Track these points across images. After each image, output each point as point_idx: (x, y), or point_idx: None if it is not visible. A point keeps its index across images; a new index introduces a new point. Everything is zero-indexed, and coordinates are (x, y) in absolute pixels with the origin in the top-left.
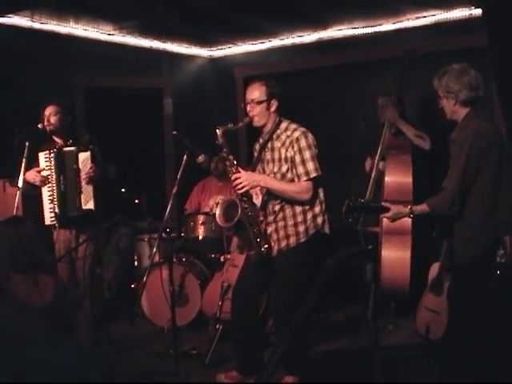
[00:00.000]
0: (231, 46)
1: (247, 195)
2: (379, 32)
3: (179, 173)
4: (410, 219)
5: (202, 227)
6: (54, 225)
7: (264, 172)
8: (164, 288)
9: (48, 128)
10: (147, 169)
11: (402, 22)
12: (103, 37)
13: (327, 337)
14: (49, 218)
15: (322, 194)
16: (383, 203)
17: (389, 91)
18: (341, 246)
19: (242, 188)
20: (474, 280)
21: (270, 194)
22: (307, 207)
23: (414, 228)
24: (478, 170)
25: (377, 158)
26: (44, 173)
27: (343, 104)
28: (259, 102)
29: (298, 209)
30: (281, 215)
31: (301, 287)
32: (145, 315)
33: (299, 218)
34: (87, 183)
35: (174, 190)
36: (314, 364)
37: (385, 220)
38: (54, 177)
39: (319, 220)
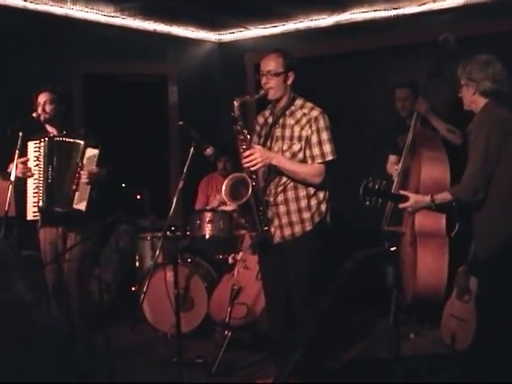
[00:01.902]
0: (241, 29)
1: (256, 173)
2: (402, 15)
3: (185, 167)
4: (443, 220)
5: (209, 225)
6: (37, 221)
7: (270, 149)
8: (168, 291)
9: (42, 117)
10: (150, 162)
11: (426, 3)
12: (103, 19)
13: (344, 344)
14: (31, 212)
15: (328, 180)
16: (402, 192)
17: (407, 81)
18: (360, 247)
19: (255, 165)
20: (501, 275)
21: (272, 174)
22: (312, 192)
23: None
24: (499, 157)
25: (404, 154)
26: (31, 163)
27: (362, 92)
28: (276, 74)
29: (302, 192)
30: (282, 198)
31: (317, 278)
32: (147, 320)
33: (302, 203)
34: (87, 183)
35: (180, 185)
36: (330, 373)
37: (418, 221)
38: (41, 167)
39: (323, 207)
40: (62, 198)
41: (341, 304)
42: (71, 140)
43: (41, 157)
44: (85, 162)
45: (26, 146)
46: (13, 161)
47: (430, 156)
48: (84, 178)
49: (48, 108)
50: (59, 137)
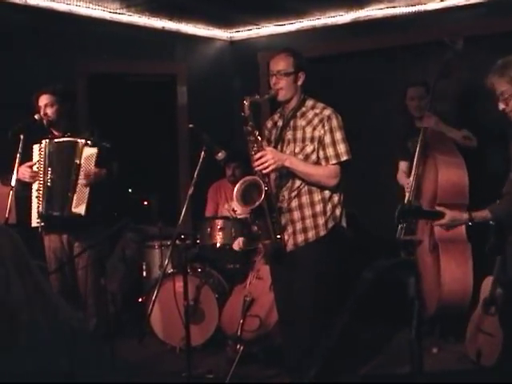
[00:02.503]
0: (254, 27)
1: (268, 177)
2: (423, 11)
3: (196, 171)
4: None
5: (221, 233)
6: (39, 228)
7: (282, 153)
8: (177, 302)
9: (45, 120)
10: (158, 166)
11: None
12: (108, 15)
13: (364, 359)
14: (35, 219)
15: (343, 183)
16: (437, 207)
17: (419, 80)
18: (378, 255)
19: (267, 168)
20: None
21: (285, 178)
22: (327, 195)
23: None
24: None
25: (415, 162)
26: (36, 167)
27: (380, 93)
28: (286, 74)
29: (317, 197)
30: (296, 203)
31: (328, 288)
32: (154, 333)
33: (318, 208)
34: (85, 185)
35: (190, 191)
36: None
37: (437, 227)
38: (42, 170)
39: (338, 211)
40: (59, 201)
41: (359, 317)
42: (69, 139)
43: (42, 160)
44: (83, 161)
45: (31, 149)
46: (13, 166)
47: (445, 160)
48: (82, 179)
49: (49, 111)
50: (60, 138)
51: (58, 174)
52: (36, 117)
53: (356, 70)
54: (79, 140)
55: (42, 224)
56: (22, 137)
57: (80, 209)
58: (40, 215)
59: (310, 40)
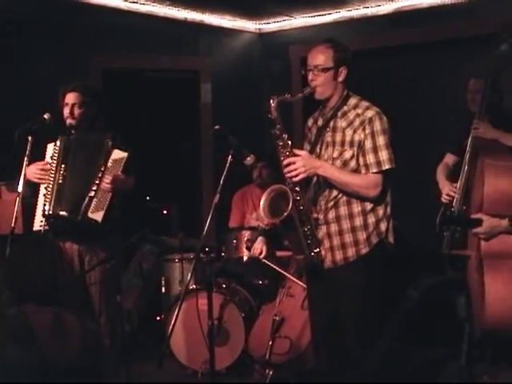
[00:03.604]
0: (286, 18)
1: (300, 184)
2: (474, 0)
3: (222, 177)
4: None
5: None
6: (42, 231)
7: (320, 157)
8: (201, 322)
9: (68, 122)
10: (179, 172)
11: None
12: (125, 5)
13: None
14: (38, 221)
15: (389, 194)
16: (474, 215)
17: (483, 73)
18: (424, 272)
19: (298, 175)
20: None
21: (322, 187)
22: (369, 207)
23: None
24: None
25: (462, 171)
26: (47, 166)
27: (426, 90)
28: (324, 70)
29: (357, 208)
30: (333, 215)
31: (372, 311)
32: (175, 356)
33: (357, 221)
34: (108, 190)
35: (216, 200)
36: None
37: (484, 241)
38: (54, 167)
39: (383, 226)
40: (73, 202)
41: (403, 340)
42: (95, 137)
43: (55, 156)
44: (109, 164)
45: (45, 149)
46: (20, 170)
47: (495, 166)
48: (106, 183)
49: (77, 112)
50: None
51: (74, 173)
52: (46, 116)
53: (399, 66)
54: (108, 140)
55: (47, 227)
56: (30, 138)
57: (97, 215)
58: (45, 216)
59: (348, 32)
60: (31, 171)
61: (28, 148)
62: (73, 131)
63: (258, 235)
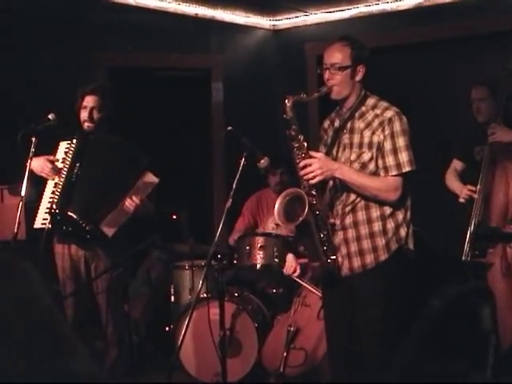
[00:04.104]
0: (301, 14)
1: (316, 188)
2: None
3: (235, 181)
4: None
5: (261, 253)
6: (44, 230)
7: (337, 160)
8: (212, 332)
9: (86, 125)
10: (189, 175)
11: None
12: (133, 0)
13: None
14: (41, 218)
15: (409, 198)
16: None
17: (485, 79)
18: (445, 280)
19: (314, 178)
20: None
21: (339, 190)
22: (388, 212)
23: None
24: None
25: (480, 181)
26: (58, 165)
27: (449, 89)
28: (342, 68)
29: (375, 213)
30: (350, 220)
31: (391, 321)
32: (184, 367)
33: (376, 226)
34: (129, 211)
35: (228, 204)
36: None
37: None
38: (67, 167)
39: (402, 231)
40: (84, 206)
41: (425, 352)
42: (131, 151)
43: (69, 155)
44: (138, 185)
45: (56, 145)
46: (23, 173)
47: None
48: (130, 204)
49: (96, 116)
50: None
51: (90, 175)
52: (50, 117)
53: (420, 64)
54: (144, 159)
55: (50, 225)
56: (33, 140)
57: (110, 231)
58: (51, 213)
59: (366, 29)
60: (39, 164)
61: (32, 149)
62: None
63: (286, 251)
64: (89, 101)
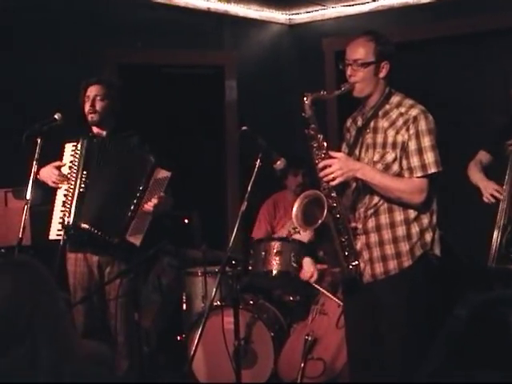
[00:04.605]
0: (318, 7)
1: (336, 190)
2: None
3: (250, 183)
4: None
5: (277, 258)
6: (61, 242)
7: (359, 160)
8: (226, 342)
9: (90, 117)
10: (201, 176)
11: None
12: None
13: None
14: (55, 229)
15: (435, 200)
16: None
17: None
18: (470, 287)
19: (334, 179)
20: None
21: (361, 192)
22: (412, 216)
23: None
24: None
25: (506, 181)
26: (65, 170)
27: (478, 87)
28: (365, 64)
29: (399, 216)
30: (373, 223)
31: (415, 331)
32: (197, 379)
33: (400, 231)
34: (149, 213)
35: (243, 207)
36: None
37: None
38: (74, 172)
39: (428, 236)
40: (98, 216)
41: (451, 363)
42: (127, 146)
43: (75, 163)
44: (151, 184)
45: (62, 148)
46: (28, 175)
47: None
48: (149, 206)
49: (98, 105)
50: (107, 137)
51: (99, 182)
52: (56, 116)
53: (443, 59)
54: (151, 157)
55: (65, 237)
56: (39, 141)
57: (136, 239)
58: (65, 227)
59: (387, 23)
60: (46, 173)
61: (37, 151)
62: (96, 129)
63: (303, 256)
64: (91, 90)
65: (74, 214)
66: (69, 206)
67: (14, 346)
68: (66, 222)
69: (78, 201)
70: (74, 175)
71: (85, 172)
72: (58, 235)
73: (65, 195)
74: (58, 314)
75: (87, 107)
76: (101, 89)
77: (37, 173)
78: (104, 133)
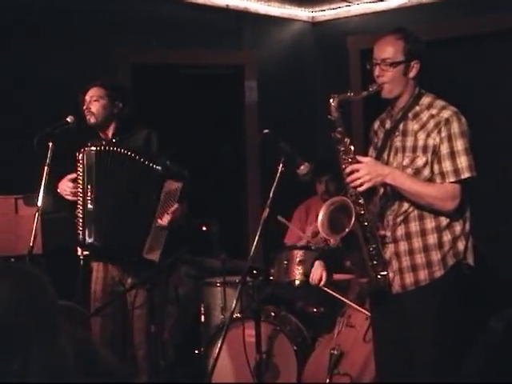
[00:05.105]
0: (343, 4)
1: (364, 196)
2: None
3: (272, 189)
4: None
5: (300, 268)
6: (85, 256)
7: (388, 165)
8: (247, 356)
9: (87, 119)
10: (220, 181)
11: None
12: None
13: None
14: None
15: (468, 207)
16: None
17: None
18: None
19: (362, 185)
20: None
21: (390, 199)
22: (444, 223)
23: None
24: None
25: None
26: (79, 182)
27: (507, 87)
28: (394, 64)
29: (430, 224)
30: (402, 231)
31: (447, 344)
32: None
33: (431, 239)
34: (165, 228)
35: (265, 214)
36: None
37: None
38: (80, 188)
39: (461, 245)
40: (110, 232)
41: (486, 378)
42: (143, 161)
43: (80, 175)
44: (163, 197)
45: (75, 157)
46: (40, 181)
47: None
48: (164, 221)
49: (94, 107)
50: (109, 143)
51: (107, 197)
52: (69, 119)
53: (476, 58)
54: (159, 168)
55: (86, 253)
56: (50, 145)
57: (154, 255)
58: (80, 244)
59: (416, 20)
60: (61, 187)
61: (49, 155)
62: (100, 133)
63: (315, 259)
64: (89, 93)
65: (85, 233)
66: (81, 224)
67: (4, 361)
68: (80, 240)
69: (87, 218)
70: (81, 190)
71: (89, 186)
72: (84, 254)
73: (80, 209)
74: (55, 328)
75: (85, 111)
76: (97, 90)
77: (45, 186)
78: (109, 136)
